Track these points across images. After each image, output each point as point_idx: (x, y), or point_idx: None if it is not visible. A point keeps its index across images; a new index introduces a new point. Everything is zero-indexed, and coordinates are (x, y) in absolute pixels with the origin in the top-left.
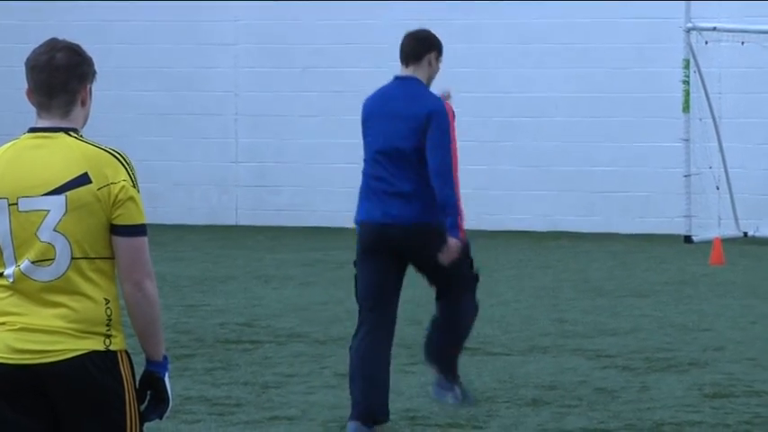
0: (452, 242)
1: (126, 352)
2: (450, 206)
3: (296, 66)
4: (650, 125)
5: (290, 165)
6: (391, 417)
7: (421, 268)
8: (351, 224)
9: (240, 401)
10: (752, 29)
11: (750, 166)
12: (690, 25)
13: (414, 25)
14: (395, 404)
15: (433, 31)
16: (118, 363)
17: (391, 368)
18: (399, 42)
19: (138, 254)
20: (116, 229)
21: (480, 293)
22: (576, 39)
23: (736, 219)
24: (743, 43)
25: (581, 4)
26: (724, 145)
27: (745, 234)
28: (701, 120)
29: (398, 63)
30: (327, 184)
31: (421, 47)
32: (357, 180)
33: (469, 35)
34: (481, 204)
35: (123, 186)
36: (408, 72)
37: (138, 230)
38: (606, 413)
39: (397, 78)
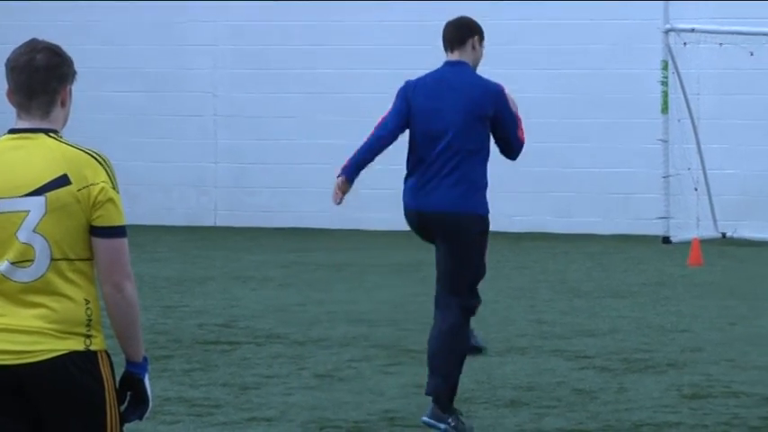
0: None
1: (106, 352)
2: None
3: (273, 67)
4: (628, 126)
5: (269, 166)
6: (370, 417)
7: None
8: (328, 225)
9: (219, 402)
10: (730, 30)
11: (728, 167)
12: (668, 26)
13: (390, 27)
14: (374, 405)
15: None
16: (98, 363)
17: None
18: (376, 44)
19: (117, 255)
20: (95, 231)
21: None
22: (553, 40)
23: (714, 220)
24: (721, 45)
25: (559, 5)
26: (702, 146)
27: (724, 235)
28: (679, 121)
29: (374, 64)
30: (306, 185)
31: (463, 31)
32: (333, 181)
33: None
34: None
35: (103, 188)
36: (455, 57)
37: (117, 232)
38: (584, 414)
39: (447, 63)
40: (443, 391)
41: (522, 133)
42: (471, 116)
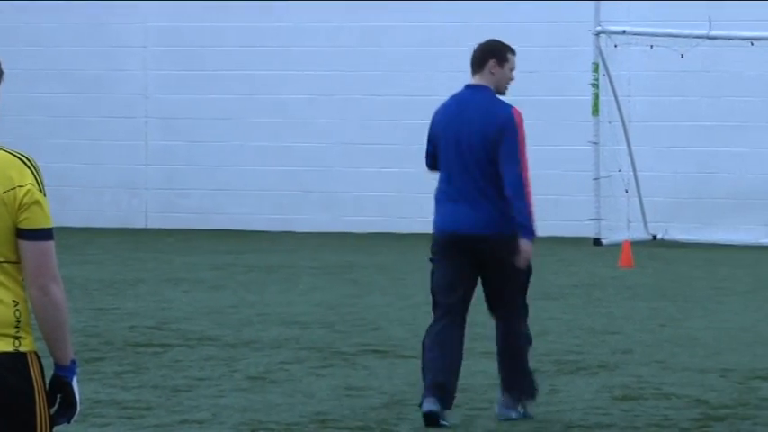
0: (525, 245)
1: (36, 354)
2: (522, 216)
3: (206, 69)
4: (559, 128)
5: (200, 168)
6: (302, 420)
7: (486, 274)
8: (261, 227)
9: (150, 405)
10: (661, 32)
11: (659, 168)
12: (599, 29)
13: (322, 28)
14: (306, 407)
15: (492, 41)
16: (27, 364)
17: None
18: (309, 46)
19: (44, 258)
20: (22, 233)
21: (390, 296)
22: None
23: (645, 222)
24: (651, 47)
25: (491, 7)
26: (633, 148)
27: (654, 237)
28: (610, 123)
29: (307, 66)
30: (238, 187)
31: (481, 55)
32: (268, 183)
33: (379, 38)
34: (391, 206)
35: (29, 190)
36: (476, 81)
37: (43, 234)
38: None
39: (467, 87)
40: (520, 385)
41: (521, 169)
42: (482, 141)
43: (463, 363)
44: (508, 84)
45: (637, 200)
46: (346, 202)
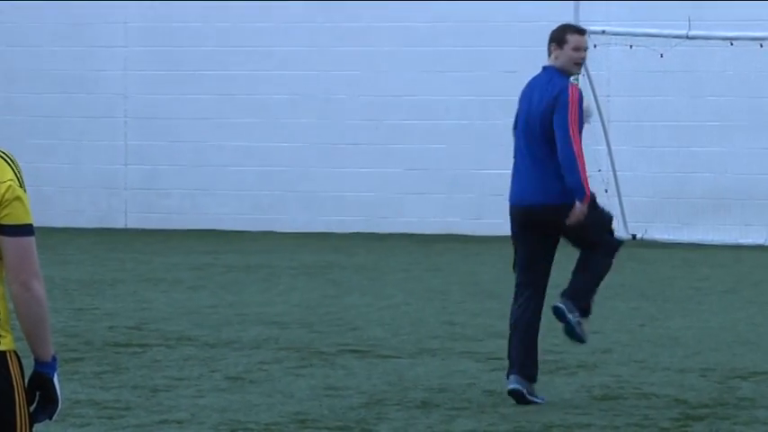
0: (577, 207)
1: (15, 352)
2: (572, 180)
3: (186, 69)
4: None
5: (180, 168)
6: (281, 420)
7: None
8: (240, 227)
9: (129, 405)
10: (640, 32)
11: (639, 168)
12: None
13: (302, 28)
14: (285, 407)
15: (552, 26)
16: (7, 362)
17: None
18: (288, 45)
19: (25, 254)
20: (3, 229)
21: (370, 296)
22: (466, 42)
23: (624, 221)
24: (631, 47)
25: (471, 7)
26: (613, 148)
27: (634, 236)
28: (589, 123)
29: (286, 65)
30: (217, 187)
31: (548, 41)
32: (247, 183)
33: (359, 37)
34: (371, 207)
35: (10, 186)
36: (547, 63)
37: (25, 230)
38: (495, 415)
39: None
40: (581, 291)
41: (573, 140)
42: (540, 116)
43: (442, 362)
44: (574, 62)
45: (616, 199)
46: (326, 202)
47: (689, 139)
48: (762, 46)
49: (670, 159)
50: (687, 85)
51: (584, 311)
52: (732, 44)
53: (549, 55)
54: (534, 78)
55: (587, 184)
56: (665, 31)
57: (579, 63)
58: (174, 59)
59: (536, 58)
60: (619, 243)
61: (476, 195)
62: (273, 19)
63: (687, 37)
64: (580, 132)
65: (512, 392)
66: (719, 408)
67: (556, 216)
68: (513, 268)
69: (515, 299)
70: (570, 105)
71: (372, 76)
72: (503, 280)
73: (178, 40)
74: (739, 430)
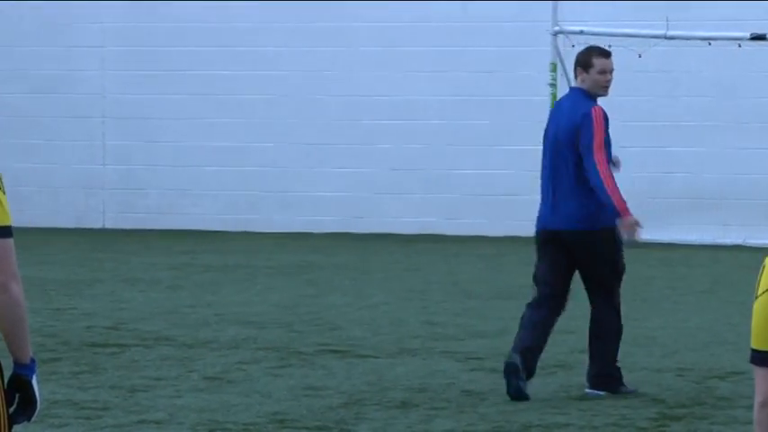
0: (619, 223)
1: None
2: (605, 203)
3: (163, 69)
4: (517, 128)
5: (158, 167)
6: (259, 420)
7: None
8: (218, 227)
9: (107, 405)
10: (618, 32)
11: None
12: (557, 29)
13: (279, 28)
14: (263, 407)
15: (577, 49)
16: None
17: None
18: (266, 46)
19: (3, 255)
20: None
21: (348, 296)
22: (443, 42)
23: None
24: (609, 46)
25: (448, 7)
26: None
27: None
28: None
29: (264, 65)
30: (195, 187)
31: (574, 66)
32: (225, 183)
33: (335, 38)
34: (349, 207)
35: None
36: (574, 85)
37: (3, 232)
38: (475, 415)
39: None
40: (610, 359)
41: (597, 162)
42: (564, 138)
43: (422, 362)
44: (601, 86)
45: None
46: (304, 202)
47: (667, 138)
48: (740, 46)
49: (648, 159)
50: (665, 85)
51: (608, 384)
52: (710, 44)
53: (576, 77)
54: (561, 99)
55: (619, 201)
56: (644, 32)
57: (606, 86)
58: (151, 59)
59: (513, 58)
60: (618, 302)
61: (454, 195)
62: (251, 19)
63: (665, 37)
64: (608, 155)
65: (508, 365)
66: (697, 407)
67: (571, 239)
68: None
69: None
70: (595, 128)
71: (350, 76)
72: (482, 280)
73: (156, 40)
74: (717, 430)
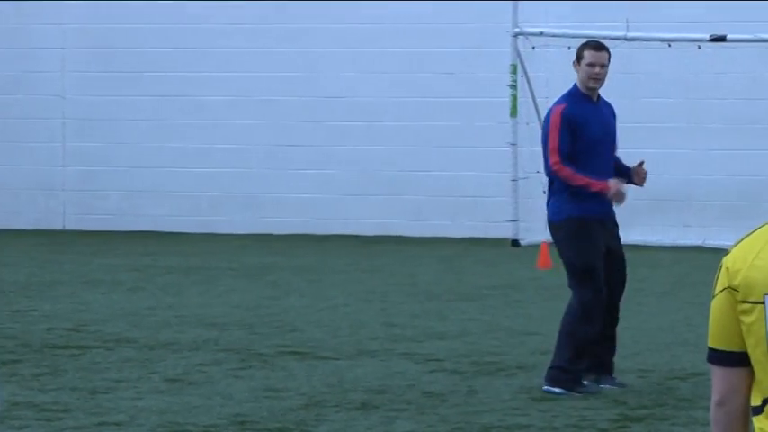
0: (609, 197)
1: None
2: (581, 191)
3: (124, 70)
4: (478, 130)
5: (118, 169)
6: (220, 422)
7: None
8: (180, 229)
9: (68, 407)
10: (578, 34)
11: None
12: (517, 30)
13: (241, 29)
14: (224, 409)
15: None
16: None
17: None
18: (226, 46)
19: None
20: None
21: (309, 298)
22: (404, 43)
23: None
24: (570, 48)
25: (410, 8)
26: None
27: None
28: (528, 124)
29: (227, 66)
30: (156, 189)
31: None
32: (187, 184)
33: (298, 39)
34: (310, 208)
35: None
36: None
37: None
38: (435, 417)
39: None
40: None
41: (552, 164)
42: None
43: (382, 364)
44: (589, 77)
45: None
46: (266, 203)
47: (626, 140)
48: (700, 47)
49: None
50: (625, 87)
51: (561, 380)
52: (670, 45)
53: None
54: None
55: (591, 183)
56: (604, 33)
57: (595, 78)
58: (112, 60)
59: (474, 59)
60: (591, 302)
61: (415, 197)
62: (212, 20)
63: (625, 39)
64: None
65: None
66: (658, 408)
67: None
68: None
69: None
70: (550, 128)
71: (311, 77)
72: (442, 281)
73: (116, 41)
74: (678, 431)
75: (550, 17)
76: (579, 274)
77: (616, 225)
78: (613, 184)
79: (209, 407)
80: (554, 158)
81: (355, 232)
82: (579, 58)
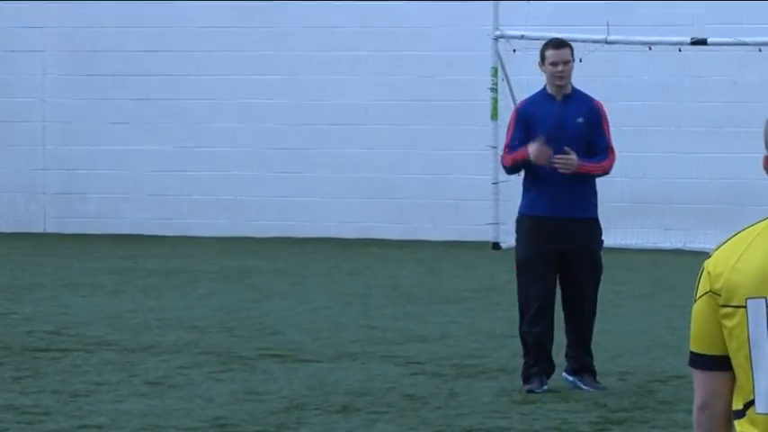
0: (532, 158)
1: None
2: (516, 170)
3: (105, 72)
4: (459, 132)
5: (99, 172)
6: (201, 425)
7: None
8: (160, 232)
9: (49, 410)
10: (559, 37)
11: None
12: (498, 33)
13: (221, 32)
14: (205, 412)
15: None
16: None
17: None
18: (207, 48)
19: None
20: None
21: (290, 300)
22: (385, 46)
23: None
24: None
25: (390, 10)
26: None
27: None
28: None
29: (208, 68)
30: (137, 192)
31: None
32: (167, 187)
33: (278, 41)
34: (291, 211)
35: None
36: None
37: None
38: (416, 419)
39: None
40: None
41: (504, 162)
42: None
43: (362, 367)
44: (553, 76)
45: None
46: (246, 206)
47: None
48: (680, 50)
49: None
50: (606, 90)
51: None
52: (650, 49)
53: None
54: None
55: (515, 155)
56: (584, 36)
57: (558, 77)
58: (93, 63)
59: (455, 62)
60: (521, 300)
61: (396, 200)
62: (193, 22)
63: (606, 42)
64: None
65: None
66: (638, 411)
67: None
68: None
69: None
70: (508, 129)
71: (292, 79)
72: (423, 284)
73: (97, 44)
74: None
75: (531, 20)
76: (516, 271)
77: (583, 223)
78: (532, 147)
79: (190, 410)
80: (503, 153)
81: (336, 235)
82: (542, 58)
